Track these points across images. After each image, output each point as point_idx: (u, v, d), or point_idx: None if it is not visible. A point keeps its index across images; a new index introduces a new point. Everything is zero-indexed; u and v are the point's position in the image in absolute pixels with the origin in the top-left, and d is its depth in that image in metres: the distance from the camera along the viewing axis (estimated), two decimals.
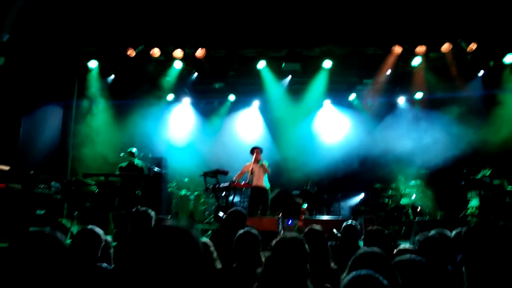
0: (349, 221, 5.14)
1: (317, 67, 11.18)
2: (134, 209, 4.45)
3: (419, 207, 10.44)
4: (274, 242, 2.76)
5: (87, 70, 10.92)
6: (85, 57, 10.77)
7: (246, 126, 13.20)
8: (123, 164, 9.26)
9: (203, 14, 9.34)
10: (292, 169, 11.73)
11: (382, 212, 10.65)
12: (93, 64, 10.86)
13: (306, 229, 4.20)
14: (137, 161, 9.30)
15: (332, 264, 3.89)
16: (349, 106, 13.01)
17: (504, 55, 10.33)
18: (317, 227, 4.14)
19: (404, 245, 4.91)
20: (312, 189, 11.58)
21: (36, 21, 9.10)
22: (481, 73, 11.10)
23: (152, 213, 4.34)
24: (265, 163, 9.48)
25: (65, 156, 10.62)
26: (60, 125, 10.83)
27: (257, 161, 9.38)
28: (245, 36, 10.03)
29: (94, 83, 11.13)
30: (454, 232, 4.15)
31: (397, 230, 9.96)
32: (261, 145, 9.94)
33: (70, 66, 10.73)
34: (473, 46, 9.93)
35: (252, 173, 9.47)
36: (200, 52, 10.46)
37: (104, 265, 3.43)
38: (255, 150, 9.54)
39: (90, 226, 3.61)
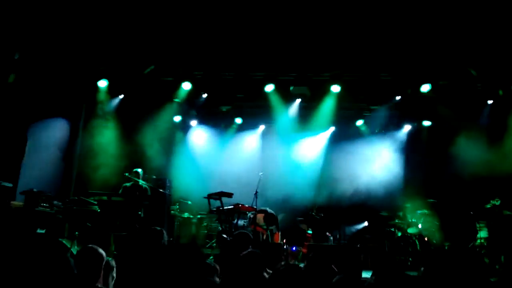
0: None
1: (325, 92, 11.12)
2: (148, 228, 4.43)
3: (426, 237, 10.17)
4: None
5: (96, 88, 10.96)
6: (96, 76, 10.81)
7: (252, 150, 13.10)
8: (128, 184, 9.21)
9: (213, 36, 9.39)
10: (297, 195, 11.56)
11: (387, 241, 10.37)
12: (103, 83, 10.90)
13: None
14: (141, 182, 9.22)
15: None
16: (356, 132, 12.90)
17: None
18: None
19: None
20: (317, 215, 11.37)
21: (48, 39, 9.20)
22: (490, 101, 11.02)
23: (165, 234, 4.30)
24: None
25: (70, 174, 10.54)
26: (66, 141, 10.75)
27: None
28: (254, 59, 10.06)
29: (103, 102, 11.15)
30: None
31: (404, 261, 9.66)
32: (266, 169, 9.89)
33: (80, 84, 10.76)
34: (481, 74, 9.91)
35: None
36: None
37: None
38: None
39: (91, 245, 3.55)
